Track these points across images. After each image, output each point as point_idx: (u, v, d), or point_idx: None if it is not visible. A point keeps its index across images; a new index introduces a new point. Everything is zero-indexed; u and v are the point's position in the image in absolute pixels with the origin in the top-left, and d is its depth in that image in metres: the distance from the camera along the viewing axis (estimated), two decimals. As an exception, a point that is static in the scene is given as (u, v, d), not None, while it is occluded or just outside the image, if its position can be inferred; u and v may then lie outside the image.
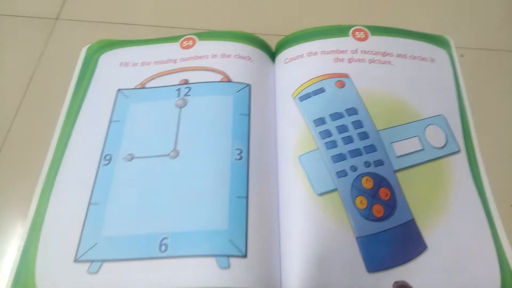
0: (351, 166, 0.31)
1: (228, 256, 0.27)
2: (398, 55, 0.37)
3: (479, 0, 0.46)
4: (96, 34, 0.41)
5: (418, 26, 0.43)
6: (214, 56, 0.37)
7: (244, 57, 0.36)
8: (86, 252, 0.28)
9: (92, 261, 0.28)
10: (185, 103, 0.34)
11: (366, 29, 0.38)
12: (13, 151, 0.35)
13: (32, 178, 0.32)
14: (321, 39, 0.37)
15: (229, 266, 0.27)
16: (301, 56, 0.36)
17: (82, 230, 0.29)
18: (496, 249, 0.29)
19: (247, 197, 0.30)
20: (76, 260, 0.28)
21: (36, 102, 0.38)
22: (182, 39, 0.39)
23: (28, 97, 0.38)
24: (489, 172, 0.32)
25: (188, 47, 0.38)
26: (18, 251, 0.29)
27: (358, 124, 0.33)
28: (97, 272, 0.27)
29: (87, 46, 0.39)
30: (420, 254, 0.28)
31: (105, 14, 0.44)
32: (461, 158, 0.32)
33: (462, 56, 0.40)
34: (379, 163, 0.31)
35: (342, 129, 0.32)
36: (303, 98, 0.34)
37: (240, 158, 0.31)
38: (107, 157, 0.32)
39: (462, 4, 0.46)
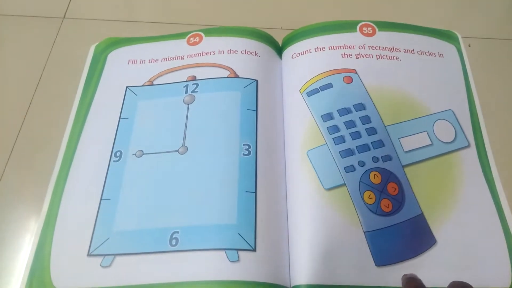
0: (359, 161, 0.31)
1: (238, 249, 0.28)
2: (406, 51, 0.37)
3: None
4: (103, 32, 0.41)
5: (425, 17, 0.43)
6: (221, 52, 0.37)
7: (251, 53, 0.37)
8: (99, 246, 0.29)
9: (104, 255, 0.28)
10: (193, 100, 0.35)
11: (373, 25, 0.38)
12: (25, 150, 0.36)
13: (44, 175, 0.33)
14: (328, 34, 0.37)
15: (238, 259, 0.27)
16: (309, 51, 0.36)
17: (95, 225, 0.30)
18: (507, 244, 0.29)
19: (255, 192, 0.30)
20: (89, 254, 0.29)
21: (46, 100, 0.38)
22: (189, 35, 0.39)
23: (38, 96, 0.38)
24: (499, 165, 0.32)
25: (195, 43, 0.38)
26: (32, 246, 0.30)
27: (366, 119, 0.33)
28: (110, 265, 0.28)
29: (95, 44, 0.40)
30: (429, 248, 0.29)
31: (111, 12, 0.44)
32: (471, 153, 0.32)
33: (469, 45, 0.39)
34: (387, 158, 0.31)
35: (350, 124, 0.32)
36: (311, 93, 0.34)
37: (248, 153, 0.32)
38: (118, 154, 0.33)
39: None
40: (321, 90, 0.34)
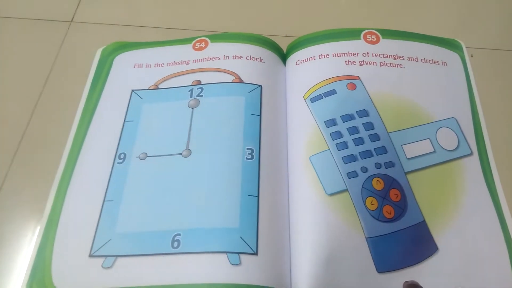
0: (362, 167, 0.31)
1: (239, 253, 0.28)
2: (410, 59, 0.37)
3: (489, 0, 0.46)
4: (110, 36, 0.42)
5: (429, 26, 0.43)
6: (226, 57, 0.37)
7: (256, 59, 0.37)
8: (100, 247, 0.29)
9: (106, 256, 0.28)
10: (197, 104, 0.35)
11: (377, 32, 0.38)
12: (29, 150, 0.36)
13: (48, 176, 0.33)
14: (332, 41, 0.37)
15: (240, 263, 0.27)
16: (313, 58, 0.37)
17: (97, 226, 0.30)
18: (508, 252, 0.29)
19: (258, 196, 0.30)
20: (91, 255, 0.29)
21: (51, 102, 0.39)
22: (195, 41, 0.39)
23: (43, 98, 0.39)
24: (501, 174, 0.32)
25: (201, 48, 0.39)
26: (34, 247, 0.30)
27: (369, 126, 0.33)
28: (111, 267, 0.28)
29: (102, 48, 0.40)
30: (431, 255, 0.28)
31: (118, 16, 0.45)
32: (474, 161, 0.32)
33: (472, 56, 0.40)
34: (389, 164, 0.31)
35: (353, 130, 0.33)
36: (315, 99, 0.34)
37: (251, 158, 0.32)
38: (122, 156, 0.33)
39: (471, 4, 0.46)
40: (325, 96, 0.34)
